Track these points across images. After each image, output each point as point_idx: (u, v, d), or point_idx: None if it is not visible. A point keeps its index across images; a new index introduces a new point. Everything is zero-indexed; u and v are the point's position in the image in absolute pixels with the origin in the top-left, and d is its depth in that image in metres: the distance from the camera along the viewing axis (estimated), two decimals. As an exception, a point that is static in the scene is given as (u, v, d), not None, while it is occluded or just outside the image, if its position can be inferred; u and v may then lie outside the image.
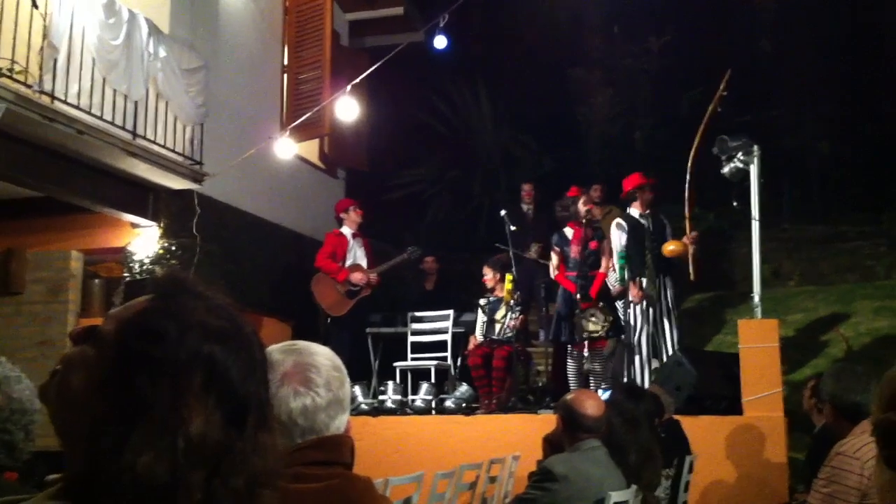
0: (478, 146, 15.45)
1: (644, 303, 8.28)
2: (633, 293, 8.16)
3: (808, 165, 13.52)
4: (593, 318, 8.08)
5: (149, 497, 1.02)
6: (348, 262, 9.60)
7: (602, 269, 8.26)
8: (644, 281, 8.31)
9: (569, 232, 8.39)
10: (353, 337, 9.49)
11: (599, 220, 9.05)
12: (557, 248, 8.38)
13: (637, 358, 8.33)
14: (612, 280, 8.47)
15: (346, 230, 9.74)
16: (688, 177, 8.02)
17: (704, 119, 8.04)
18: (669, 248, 8.19)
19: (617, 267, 8.25)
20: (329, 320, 9.45)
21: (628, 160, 12.58)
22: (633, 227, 8.50)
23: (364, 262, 9.67)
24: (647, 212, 8.58)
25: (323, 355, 1.87)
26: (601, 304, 8.16)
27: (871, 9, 13.99)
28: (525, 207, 10.78)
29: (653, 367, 8.26)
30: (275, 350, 1.85)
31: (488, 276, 9.06)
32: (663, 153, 12.62)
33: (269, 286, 10.14)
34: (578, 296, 8.02)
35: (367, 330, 9.81)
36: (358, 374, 9.03)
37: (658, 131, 13.96)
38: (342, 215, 9.78)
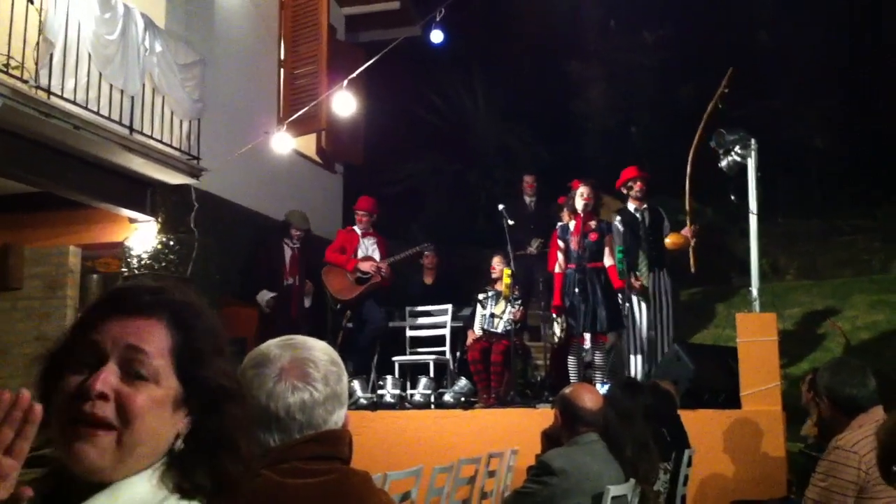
0: (474, 140, 15.46)
1: (640, 296, 8.32)
2: (633, 283, 8.25)
3: (804, 160, 13.54)
4: (557, 321, 8.12)
5: None
6: (359, 256, 9.67)
7: (608, 263, 8.17)
8: (636, 275, 8.37)
9: (573, 224, 8.33)
10: (376, 329, 9.59)
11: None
12: (561, 241, 8.32)
13: (635, 352, 8.35)
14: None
15: (359, 228, 9.82)
16: (688, 169, 8.04)
17: (705, 115, 8.03)
18: (671, 240, 8.23)
19: (616, 261, 8.26)
20: (338, 306, 9.48)
21: (625, 153, 12.59)
22: (628, 222, 8.55)
23: (377, 257, 9.70)
24: (644, 206, 8.62)
25: (320, 350, 1.87)
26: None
27: (870, 5, 13.99)
28: (528, 200, 10.73)
29: (651, 361, 8.28)
30: (272, 345, 1.86)
31: (497, 267, 9.03)
32: (660, 146, 12.64)
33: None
34: (577, 289, 8.00)
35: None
36: (358, 368, 9.06)
37: (655, 125, 13.96)
38: (360, 212, 9.84)
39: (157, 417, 1.26)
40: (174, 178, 8.65)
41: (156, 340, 1.29)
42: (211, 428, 1.30)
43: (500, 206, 8.80)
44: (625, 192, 8.83)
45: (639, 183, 8.64)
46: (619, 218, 8.66)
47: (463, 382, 8.76)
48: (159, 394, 1.27)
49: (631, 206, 8.67)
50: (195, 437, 1.29)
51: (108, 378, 1.24)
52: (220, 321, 1.40)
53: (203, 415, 1.30)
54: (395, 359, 9.44)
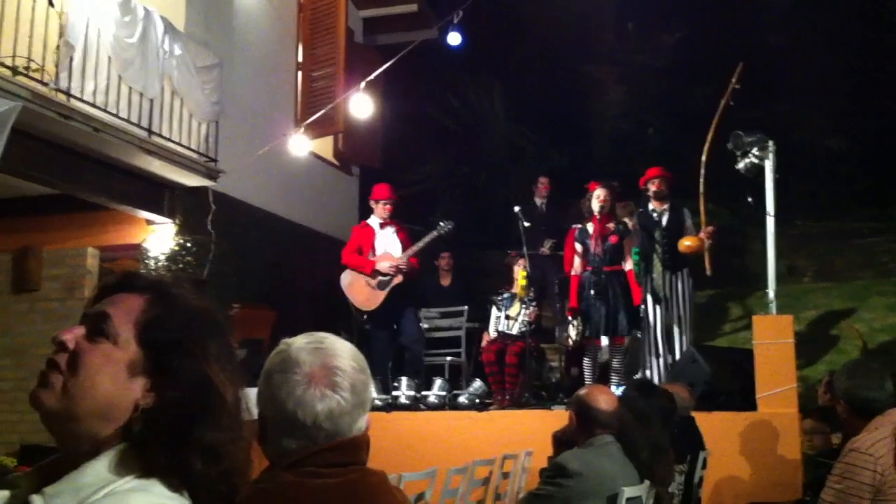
0: (489, 142, 15.46)
1: (654, 299, 8.30)
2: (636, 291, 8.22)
3: (818, 161, 13.47)
4: (573, 324, 8.11)
5: None
6: (378, 253, 9.02)
7: (627, 268, 8.16)
8: (652, 277, 8.34)
9: (591, 227, 8.29)
10: (391, 335, 8.99)
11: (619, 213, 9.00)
12: (579, 244, 8.31)
13: (651, 354, 8.34)
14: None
15: (374, 221, 9.13)
16: (702, 171, 8.01)
17: (717, 113, 8.02)
18: (685, 243, 8.19)
19: (633, 263, 8.24)
20: (364, 316, 8.99)
21: (640, 156, 12.55)
22: (644, 223, 8.52)
23: (397, 250, 9.01)
24: (664, 207, 8.56)
25: (348, 356, 1.86)
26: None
27: (881, 5, 13.92)
28: (539, 202, 10.67)
29: (667, 363, 8.26)
30: (300, 348, 1.84)
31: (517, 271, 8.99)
32: (675, 149, 12.61)
33: (283, 282, 10.16)
34: (593, 292, 8.00)
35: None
36: (375, 371, 8.99)
37: (670, 127, 13.94)
38: (372, 203, 9.18)
39: (108, 375, 1.32)
40: (192, 181, 8.70)
41: (125, 308, 1.37)
42: (171, 404, 1.31)
43: (517, 208, 8.80)
44: (647, 192, 8.73)
45: (656, 182, 8.58)
46: (636, 219, 8.61)
47: (478, 384, 8.77)
48: (116, 353, 1.33)
49: (650, 206, 8.62)
50: (156, 414, 1.31)
51: (73, 332, 1.36)
52: (216, 316, 1.45)
53: (162, 386, 1.33)
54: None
